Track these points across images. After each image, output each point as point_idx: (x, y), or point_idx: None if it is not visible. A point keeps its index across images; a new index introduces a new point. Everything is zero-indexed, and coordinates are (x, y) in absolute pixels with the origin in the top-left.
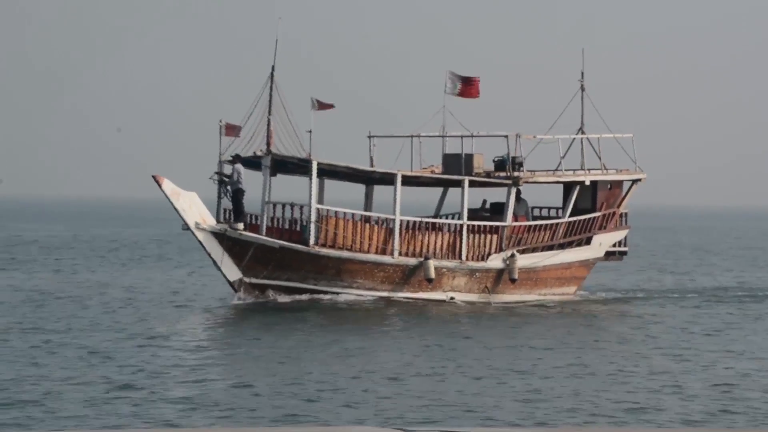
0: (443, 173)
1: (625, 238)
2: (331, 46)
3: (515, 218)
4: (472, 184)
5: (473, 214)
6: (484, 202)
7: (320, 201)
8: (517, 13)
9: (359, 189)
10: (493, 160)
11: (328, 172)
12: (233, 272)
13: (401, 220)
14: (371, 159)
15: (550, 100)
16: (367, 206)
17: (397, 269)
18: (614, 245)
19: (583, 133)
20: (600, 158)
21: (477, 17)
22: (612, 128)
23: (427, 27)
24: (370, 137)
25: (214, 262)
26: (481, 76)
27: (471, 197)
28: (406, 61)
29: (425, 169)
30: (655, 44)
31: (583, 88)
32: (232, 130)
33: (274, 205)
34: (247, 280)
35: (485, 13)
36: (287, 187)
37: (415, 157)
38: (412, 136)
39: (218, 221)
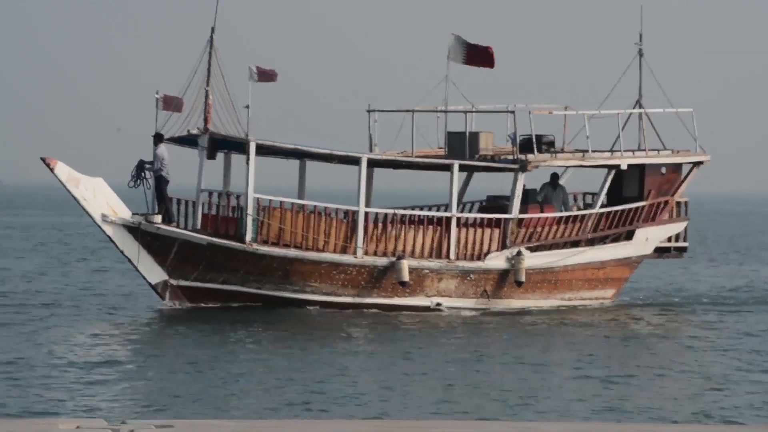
0: (447, 154)
1: (685, 231)
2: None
3: (541, 209)
4: (463, 168)
5: (492, 202)
6: None
7: (301, 188)
8: None
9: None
10: (510, 138)
11: (300, 153)
12: (155, 273)
13: (369, 213)
14: (370, 137)
15: (607, 69)
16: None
17: (362, 271)
18: (668, 240)
19: (640, 106)
20: (657, 136)
21: None
22: (674, 102)
23: None
24: (369, 111)
25: (130, 262)
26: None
27: (498, 182)
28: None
29: (439, 149)
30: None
31: (641, 54)
32: (170, 102)
33: (210, 193)
34: (173, 282)
35: None
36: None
37: (418, 134)
38: (413, 111)
39: (157, 214)
